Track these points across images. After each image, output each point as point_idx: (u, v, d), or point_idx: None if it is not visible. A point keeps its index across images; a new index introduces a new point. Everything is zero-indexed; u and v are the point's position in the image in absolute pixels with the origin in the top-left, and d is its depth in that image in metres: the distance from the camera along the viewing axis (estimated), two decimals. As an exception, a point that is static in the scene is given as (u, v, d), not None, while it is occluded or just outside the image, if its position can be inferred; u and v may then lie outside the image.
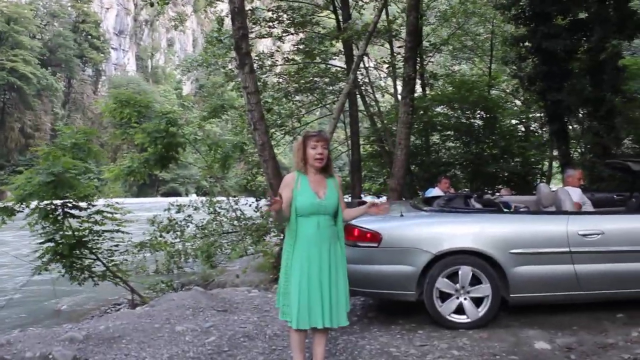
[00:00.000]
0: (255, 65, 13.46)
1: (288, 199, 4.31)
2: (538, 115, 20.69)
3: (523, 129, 20.41)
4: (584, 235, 5.79)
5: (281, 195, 4.23)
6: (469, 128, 17.29)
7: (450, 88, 18.19)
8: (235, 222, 15.68)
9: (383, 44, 19.19)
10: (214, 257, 13.45)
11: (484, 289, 5.78)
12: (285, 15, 16.71)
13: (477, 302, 5.83)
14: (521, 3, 13.96)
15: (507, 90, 22.36)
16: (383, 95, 21.42)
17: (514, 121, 20.06)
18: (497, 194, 10.28)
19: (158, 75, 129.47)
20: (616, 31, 12.56)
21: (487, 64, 23.86)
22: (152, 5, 12.29)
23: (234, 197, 16.49)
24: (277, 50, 18.10)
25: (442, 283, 5.81)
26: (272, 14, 16.88)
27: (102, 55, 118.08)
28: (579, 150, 16.17)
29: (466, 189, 15.83)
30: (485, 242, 5.79)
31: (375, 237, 5.85)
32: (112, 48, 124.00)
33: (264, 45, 28.47)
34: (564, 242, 5.78)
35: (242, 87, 10.04)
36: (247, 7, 13.01)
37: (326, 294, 4.28)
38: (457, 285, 5.82)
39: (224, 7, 19.72)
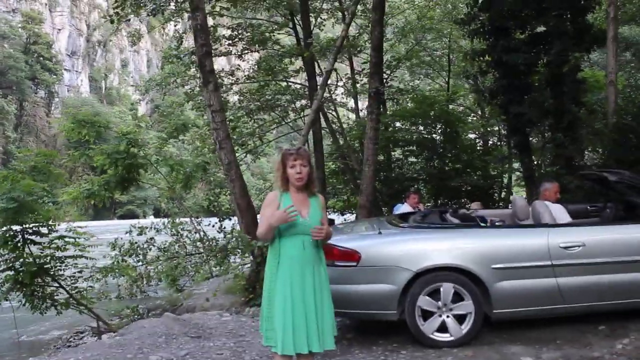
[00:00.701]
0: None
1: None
2: (496, 129, 20.99)
3: (481, 143, 20.61)
4: (565, 247, 5.72)
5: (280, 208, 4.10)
6: (431, 143, 17.30)
7: (411, 104, 18.19)
8: (199, 244, 15.36)
9: (343, 61, 19.15)
10: (178, 280, 13.08)
11: (467, 306, 5.65)
12: (245, 33, 16.54)
13: (460, 319, 5.70)
14: (480, 18, 14.03)
15: (465, 105, 22.55)
16: (344, 113, 21.42)
17: (472, 135, 20.24)
18: (470, 208, 10.19)
19: (112, 97, 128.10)
20: (574, 44, 12.74)
21: (444, 79, 24.10)
22: (112, 22, 12.01)
23: (197, 217, 16.18)
24: (238, 68, 17.92)
25: (424, 301, 5.67)
26: (232, 31, 16.71)
27: (54, 76, 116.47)
28: (541, 163, 16.27)
29: (428, 204, 15.78)
30: (466, 258, 5.67)
31: (354, 256, 5.69)
32: (65, 69, 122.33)
33: (218, 64, 28.31)
34: (546, 255, 5.70)
35: (206, 106, 9.86)
36: (209, 23, 12.79)
37: (312, 317, 4.08)
38: (439, 303, 5.67)
39: (178, 27, 19.56)
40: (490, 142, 21.57)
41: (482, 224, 6.87)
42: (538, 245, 5.76)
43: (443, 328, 5.70)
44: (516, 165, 19.56)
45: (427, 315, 5.70)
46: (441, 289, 5.66)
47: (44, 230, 8.35)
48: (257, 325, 6.77)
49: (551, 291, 5.71)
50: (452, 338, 5.67)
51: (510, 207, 15.95)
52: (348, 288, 5.63)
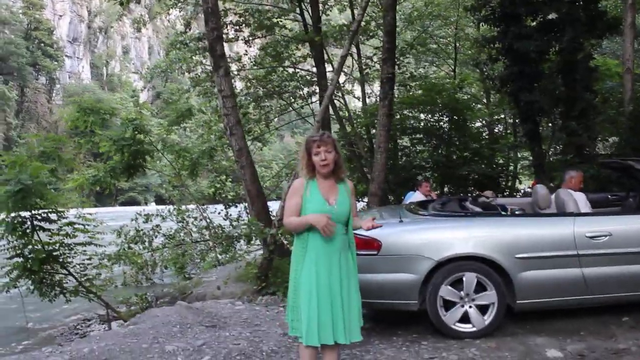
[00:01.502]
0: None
1: (298, 206, 4.03)
2: (502, 117, 20.83)
3: (487, 132, 20.46)
4: (592, 237, 5.58)
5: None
6: (439, 131, 17.16)
7: (420, 91, 18.02)
8: (204, 231, 15.25)
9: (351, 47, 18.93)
10: (186, 267, 12.98)
11: (490, 296, 5.53)
12: (252, 19, 16.31)
13: (482, 309, 5.57)
14: (491, 4, 13.85)
15: (471, 93, 22.34)
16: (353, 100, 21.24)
17: (478, 124, 20.09)
18: (484, 197, 10.04)
19: (114, 83, 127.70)
20: (587, 31, 12.58)
21: (450, 66, 23.90)
22: (121, 4, 11.81)
23: (203, 205, 16.06)
24: (245, 54, 17.70)
25: (446, 291, 5.54)
26: (239, 17, 16.48)
27: (55, 63, 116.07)
28: (551, 151, 16.13)
29: (437, 193, 15.66)
30: (490, 247, 5.53)
31: (374, 244, 5.55)
32: (66, 56, 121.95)
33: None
34: (572, 244, 5.57)
35: (217, 91, 9.68)
36: (220, 7, 12.60)
37: (338, 308, 3.95)
38: (462, 293, 5.56)
39: (182, 13, 19.35)
40: (496, 131, 21.39)
41: (503, 213, 6.73)
42: (564, 234, 5.62)
43: (465, 318, 5.58)
44: (524, 154, 19.49)
45: (449, 305, 5.58)
46: (464, 279, 5.53)
47: (53, 216, 8.21)
48: (272, 315, 6.70)
49: (576, 282, 5.58)
50: (474, 329, 5.55)
51: (518, 195, 15.97)
52: (368, 277, 5.47)
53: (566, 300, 5.70)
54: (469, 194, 16.14)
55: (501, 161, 18.46)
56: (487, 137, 19.49)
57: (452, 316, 5.56)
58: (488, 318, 5.55)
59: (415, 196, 10.13)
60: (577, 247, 5.55)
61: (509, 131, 21.09)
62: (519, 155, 19.30)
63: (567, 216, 5.95)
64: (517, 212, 6.92)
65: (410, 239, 5.70)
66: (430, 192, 10.53)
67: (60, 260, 8.39)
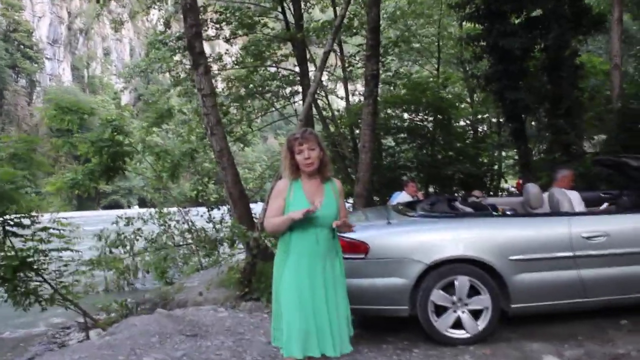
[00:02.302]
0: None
1: (280, 208, 3.78)
2: (486, 116, 20.69)
3: (471, 131, 20.32)
4: (588, 237, 5.36)
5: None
6: (423, 130, 16.98)
7: (403, 90, 17.82)
8: (187, 234, 14.94)
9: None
10: (167, 272, 12.67)
11: (483, 300, 5.29)
12: (233, 17, 16.04)
13: (476, 314, 5.34)
14: (475, 2, 13.69)
15: (454, 92, 22.17)
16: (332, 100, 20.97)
17: (462, 123, 19.93)
18: (473, 196, 9.84)
19: (95, 86, 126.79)
20: (572, 28, 12.44)
21: (434, 65, 23.75)
22: (98, 1, 11.51)
23: (185, 208, 15.75)
24: (226, 52, 17.44)
25: (437, 295, 5.30)
26: (220, 15, 16.21)
27: (35, 65, 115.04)
28: (536, 149, 15.99)
29: (424, 193, 15.46)
30: (482, 249, 5.30)
31: (361, 247, 5.30)
32: (47, 58, 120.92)
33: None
34: (567, 245, 5.35)
35: (196, 90, 9.39)
36: (199, 3, 12.32)
37: (323, 317, 3.69)
38: (454, 298, 5.32)
39: (162, 12, 19.03)
40: (480, 130, 21.24)
41: (495, 213, 6.50)
42: (559, 235, 5.40)
43: (458, 324, 5.34)
44: (508, 153, 19.38)
45: (440, 310, 5.34)
46: (456, 283, 5.29)
47: (27, 221, 7.87)
48: (256, 322, 6.43)
49: (573, 284, 5.36)
50: (467, 335, 5.31)
51: (503, 194, 15.79)
52: (355, 282, 5.20)
53: (562, 303, 5.47)
54: (456, 194, 16.01)
55: (486, 160, 18.28)
56: (471, 136, 19.35)
57: (444, 322, 5.32)
58: (482, 323, 5.31)
59: (402, 197, 9.93)
60: (573, 248, 5.33)
61: (493, 130, 20.96)
62: (504, 154, 19.19)
63: (563, 216, 5.73)
64: (508, 212, 6.70)
65: (399, 241, 5.45)
66: (417, 193, 10.33)
67: (35, 267, 8.04)
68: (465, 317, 5.31)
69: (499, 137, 18.84)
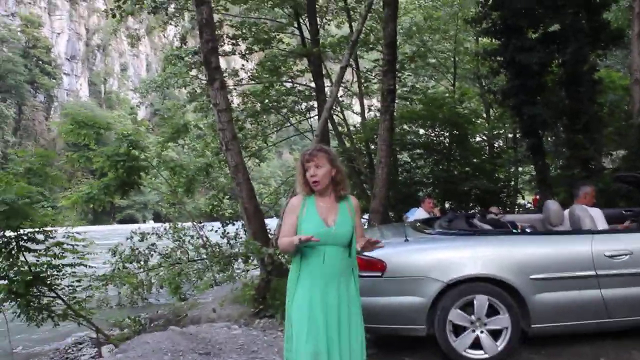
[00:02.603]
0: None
1: (293, 226, 3.71)
2: (502, 132, 20.54)
3: (487, 147, 20.17)
4: (611, 256, 5.22)
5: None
6: (439, 146, 16.89)
7: (420, 106, 17.75)
8: (201, 250, 14.87)
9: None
10: (181, 288, 12.61)
11: (503, 320, 5.16)
12: (249, 33, 16.07)
13: (495, 334, 5.20)
14: (492, 17, 13.61)
15: (470, 108, 22.08)
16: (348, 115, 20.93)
17: (478, 138, 19.79)
18: (492, 212, 9.72)
19: (112, 101, 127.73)
20: (590, 43, 12.31)
21: (450, 80, 23.68)
22: (114, 17, 11.53)
23: (200, 222, 15.70)
24: (242, 68, 17.46)
25: (456, 315, 5.18)
26: (236, 30, 16.24)
27: (53, 80, 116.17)
28: (553, 165, 15.80)
29: (439, 208, 15.32)
30: (502, 268, 5.17)
31: (378, 265, 5.20)
32: (64, 73, 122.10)
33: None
34: (590, 264, 5.21)
35: (212, 105, 9.35)
36: (215, 18, 12.31)
37: (334, 341, 3.58)
38: (473, 317, 5.19)
39: (178, 28, 19.11)
40: (496, 146, 21.09)
41: (514, 231, 6.37)
42: (581, 253, 5.27)
43: (476, 344, 5.20)
44: (525, 168, 19.22)
45: (458, 330, 5.21)
46: (475, 302, 5.17)
47: (40, 237, 7.81)
48: (270, 340, 6.32)
49: (595, 304, 5.22)
50: (486, 355, 5.16)
51: (518, 211, 15.60)
52: (371, 300, 5.12)
53: (584, 324, 5.32)
54: (473, 210, 15.87)
55: (502, 176, 18.13)
56: (487, 152, 19.22)
57: (462, 342, 5.19)
58: (501, 344, 5.17)
59: (418, 213, 9.81)
60: (596, 267, 5.20)
61: (509, 146, 20.81)
62: (519, 170, 19.05)
63: (585, 234, 5.60)
64: (527, 230, 6.55)
65: (416, 259, 5.34)
66: (433, 209, 10.22)
67: (48, 282, 7.99)
68: (484, 337, 5.18)
69: (515, 152, 18.70)
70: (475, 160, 16.79)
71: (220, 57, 16.12)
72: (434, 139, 17.17)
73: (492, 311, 5.18)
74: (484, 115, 21.81)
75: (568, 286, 5.20)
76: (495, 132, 20.43)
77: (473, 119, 18.14)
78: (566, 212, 6.50)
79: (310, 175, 3.68)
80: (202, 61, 9.70)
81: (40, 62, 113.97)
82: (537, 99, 12.79)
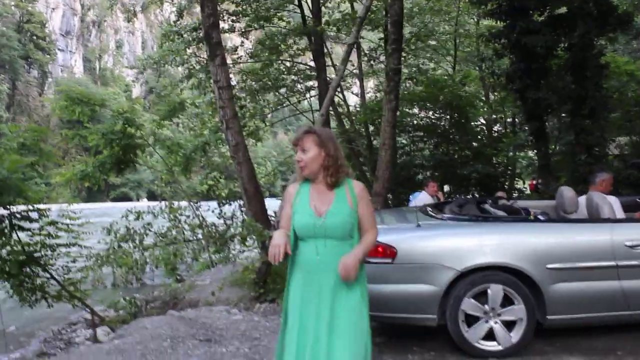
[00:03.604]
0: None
1: (288, 215, 3.38)
2: (501, 116, 20.34)
3: (486, 130, 19.95)
4: (632, 246, 5.00)
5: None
6: (440, 129, 16.64)
7: (420, 87, 17.48)
8: (197, 230, 14.63)
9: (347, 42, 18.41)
10: (178, 269, 12.38)
11: (518, 311, 4.95)
12: (249, 9, 15.73)
13: (509, 325, 4.99)
14: (498, -3, 13.36)
15: (468, 91, 21.86)
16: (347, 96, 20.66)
17: (476, 122, 19.57)
18: (499, 197, 9.49)
19: (106, 78, 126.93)
20: (597, 26, 12.06)
21: (450, 63, 23.43)
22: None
23: (196, 202, 15.45)
24: (242, 45, 17.13)
25: (469, 304, 4.96)
26: (236, 6, 15.90)
27: (48, 56, 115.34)
28: (556, 150, 15.60)
29: (443, 192, 15.12)
30: (518, 256, 4.94)
31: (389, 251, 4.96)
32: (59, 49, 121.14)
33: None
34: (609, 254, 4.99)
35: (213, 82, 9.08)
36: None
37: (316, 348, 3.13)
38: (486, 307, 4.97)
39: (174, 5, 18.75)
40: (494, 130, 20.85)
41: (530, 218, 6.14)
42: (601, 243, 5.04)
43: (490, 335, 4.99)
44: (522, 153, 19.06)
45: (471, 320, 4.99)
46: (489, 291, 4.94)
47: (34, 215, 7.55)
48: (272, 326, 6.10)
49: (614, 295, 5.00)
50: (500, 347, 4.96)
51: (517, 194, 15.38)
52: (381, 288, 4.92)
53: (602, 316, 5.11)
54: (473, 194, 15.69)
55: (502, 161, 17.92)
56: (486, 136, 19.01)
57: (475, 332, 4.98)
58: (516, 335, 4.96)
59: (421, 197, 9.57)
60: (616, 257, 4.98)
61: (508, 130, 20.60)
62: (518, 155, 18.89)
63: (604, 222, 5.37)
64: (540, 217, 6.30)
65: (429, 246, 5.10)
66: (438, 193, 9.97)
67: (42, 262, 7.73)
68: (498, 328, 4.97)
69: (514, 136, 18.51)
70: (475, 144, 16.55)
71: (222, 33, 15.90)
72: (435, 121, 16.90)
73: (506, 301, 4.97)
74: (483, 98, 21.59)
75: (586, 277, 4.98)
76: (494, 117, 20.22)
77: (475, 102, 17.84)
78: (581, 198, 6.27)
79: (295, 159, 3.34)
80: (203, 36, 9.42)
81: (35, 38, 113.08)
82: (541, 83, 12.60)
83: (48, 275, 7.88)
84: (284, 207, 3.48)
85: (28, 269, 7.61)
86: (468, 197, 11.87)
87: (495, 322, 4.98)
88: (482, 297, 4.97)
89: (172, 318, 6.27)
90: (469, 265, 4.92)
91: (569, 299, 4.97)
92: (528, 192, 18.18)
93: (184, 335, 5.58)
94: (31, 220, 7.55)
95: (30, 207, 7.44)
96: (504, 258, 4.95)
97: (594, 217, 5.74)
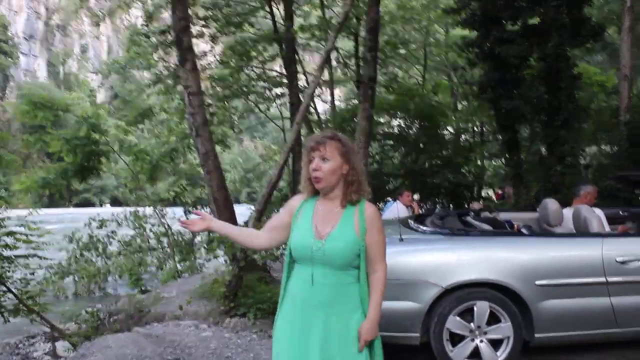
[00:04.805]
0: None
1: (277, 221, 2.98)
2: (469, 125, 20.39)
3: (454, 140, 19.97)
4: (623, 262, 4.82)
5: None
6: (411, 138, 16.53)
7: (392, 96, 17.38)
8: (163, 238, 14.27)
9: (318, 50, 18.30)
10: (142, 280, 12.01)
11: (504, 329, 4.73)
12: (219, 14, 15.43)
13: (495, 344, 4.77)
14: (471, 7, 13.32)
15: (438, 100, 21.86)
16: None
17: (445, 131, 19.56)
18: (471, 209, 9.33)
19: (70, 82, 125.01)
20: (570, 37, 12.06)
21: (419, 71, 23.45)
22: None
23: (161, 209, 15.08)
24: (211, 50, 16.83)
25: (454, 322, 4.72)
26: (206, 10, 15.57)
27: (10, 60, 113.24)
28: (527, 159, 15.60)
29: (416, 201, 14.97)
30: (505, 272, 4.73)
31: (370, 267, 4.70)
32: (22, 53, 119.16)
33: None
34: (599, 270, 4.79)
35: (182, 87, 8.77)
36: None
37: None
38: (472, 325, 4.74)
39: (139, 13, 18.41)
40: (462, 139, 20.84)
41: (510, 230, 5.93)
42: (591, 258, 4.85)
43: (475, 354, 4.76)
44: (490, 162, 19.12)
45: (456, 339, 4.76)
46: (474, 309, 4.72)
47: (-11, 225, 7.13)
48: (244, 343, 5.79)
49: (604, 313, 4.81)
50: (486, 367, 4.73)
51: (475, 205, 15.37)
52: (361, 305, 4.65)
53: (591, 333, 4.91)
54: (442, 203, 15.61)
55: (472, 170, 17.89)
56: (466, 143, 19.02)
57: (460, 352, 4.74)
58: (502, 354, 4.73)
59: (396, 207, 9.33)
60: (606, 273, 4.79)
61: (475, 139, 20.64)
62: (487, 164, 18.95)
63: (595, 237, 5.17)
64: (523, 230, 6.07)
65: (412, 261, 4.86)
66: (412, 202, 9.76)
67: (-1, 275, 7.31)
68: (484, 347, 4.74)
69: (484, 145, 18.53)
70: (444, 153, 16.47)
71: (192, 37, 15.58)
72: (405, 130, 16.78)
73: (493, 319, 4.75)
74: (451, 107, 21.62)
75: (576, 293, 4.79)
76: (464, 126, 20.26)
77: (446, 112, 17.82)
78: (565, 211, 6.09)
79: (312, 168, 2.80)
80: (174, 40, 9.12)
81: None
82: (514, 93, 12.61)
83: (5, 289, 7.45)
84: (280, 211, 3.08)
85: (-19, 282, 7.18)
86: (446, 209, 11.68)
87: (481, 341, 4.74)
88: (467, 314, 4.74)
89: (138, 335, 5.88)
90: (454, 282, 4.68)
91: (557, 317, 4.77)
92: (495, 200, 18.20)
93: (150, 355, 5.21)
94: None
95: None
96: (491, 274, 4.73)
97: (580, 231, 5.55)
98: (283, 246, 3.96)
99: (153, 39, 15.71)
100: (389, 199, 14.01)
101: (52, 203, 76.12)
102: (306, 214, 2.87)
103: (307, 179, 2.88)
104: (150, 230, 14.35)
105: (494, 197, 18.63)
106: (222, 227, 3.00)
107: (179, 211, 15.40)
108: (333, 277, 2.75)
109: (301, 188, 2.96)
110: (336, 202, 2.85)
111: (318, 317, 2.73)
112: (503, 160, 16.81)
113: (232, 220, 8.98)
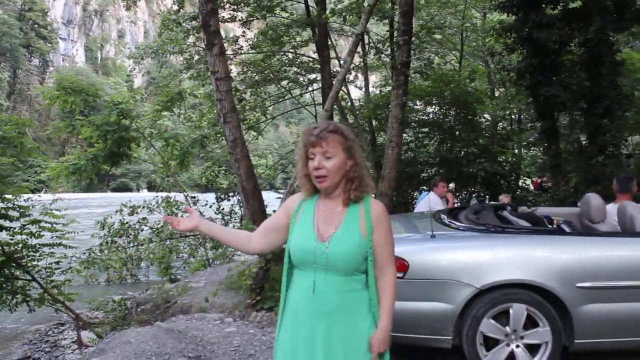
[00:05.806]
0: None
1: (273, 221, 2.72)
2: (507, 113, 19.90)
3: (491, 128, 19.50)
4: (675, 264, 4.48)
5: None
6: (447, 125, 16.16)
7: (427, 82, 16.98)
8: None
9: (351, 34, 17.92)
10: (172, 268, 11.95)
11: (542, 334, 4.43)
12: (251, -1, 15.24)
13: (532, 350, 4.48)
14: (510, -11, 12.87)
15: (474, 87, 21.38)
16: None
17: (482, 119, 19.12)
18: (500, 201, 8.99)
19: (108, 67, 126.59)
20: (613, 21, 11.58)
21: (455, 57, 22.96)
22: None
23: (193, 197, 15.02)
24: (243, 35, 16.64)
25: (488, 326, 4.44)
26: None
27: (49, 45, 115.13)
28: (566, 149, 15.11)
29: (452, 191, 14.63)
30: (545, 273, 4.42)
31: (399, 264, 4.41)
32: (60, 38, 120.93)
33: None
34: (647, 273, 4.47)
35: (210, 72, 8.58)
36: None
37: None
38: (507, 329, 4.46)
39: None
40: (499, 127, 20.36)
41: (550, 226, 5.61)
42: (637, 259, 4.53)
43: (511, 360, 4.48)
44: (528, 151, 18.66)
45: (490, 343, 4.49)
46: (511, 312, 4.43)
47: (15, 213, 7.03)
48: (269, 340, 5.58)
49: (650, 319, 4.50)
50: (522, 374, 4.45)
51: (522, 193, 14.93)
52: (391, 305, 4.40)
53: (635, 340, 4.60)
54: (477, 193, 15.25)
55: (510, 159, 17.44)
56: (504, 132, 18.58)
57: (494, 357, 4.46)
58: (539, 361, 4.45)
59: (430, 198, 9.02)
60: (655, 276, 4.46)
61: (514, 127, 20.15)
62: (525, 153, 18.50)
63: (643, 236, 4.82)
64: (563, 226, 5.75)
65: (444, 259, 4.58)
66: (447, 194, 9.44)
67: (23, 263, 7.23)
68: (520, 352, 4.45)
69: (521, 134, 18.05)
70: (481, 141, 16.06)
71: (222, 22, 15.36)
72: (441, 117, 16.42)
73: (530, 323, 4.46)
74: (489, 94, 21.14)
75: (620, 297, 4.47)
76: (500, 113, 19.76)
77: (482, 99, 17.37)
78: (608, 207, 5.73)
79: (314, 167, 2.51)
80: (201, 24, 8.89)
81: (36, 26, 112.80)
82: (554, 80, 12.14)
83: (30, 278, 7.38)
84: (276, 212, 2.85)
85: (8, 271, 7.10)
86: (482, 202, 11.33)
87: (517, 346, 4.46)
88: (502, 317, 4.46)
89: (159, 330, 5.71)
90: (489, 282, 4.40)
91: (600, 322, 4.45)
92: (532, 189, 17.72)
93: (170, 351, 5.03)
94: (11, 219, 7.03)
95: (10, 206, 6.92)
96: (529, 275, 4.43)
97: (627, 229, 5.20)
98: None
99: (185, 24, 15.56)
100: (424, 188, 13.74)
101: (90, 187, 77.23)
102: (306, 215, 2.61)
103: (304, 175, 2.61)
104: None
105: (532, 187, 18.15)
106: (211, 228, 2.76)
107: (211, 198, 15.35)
108: (338, 283, 2.51)
109: (298, 186, 2.69)
110: (338, 200, 2.59)
111: (321, 327, 2.49)
112: (541, 149, 16.27)
113: (261, 208, 8.80)
